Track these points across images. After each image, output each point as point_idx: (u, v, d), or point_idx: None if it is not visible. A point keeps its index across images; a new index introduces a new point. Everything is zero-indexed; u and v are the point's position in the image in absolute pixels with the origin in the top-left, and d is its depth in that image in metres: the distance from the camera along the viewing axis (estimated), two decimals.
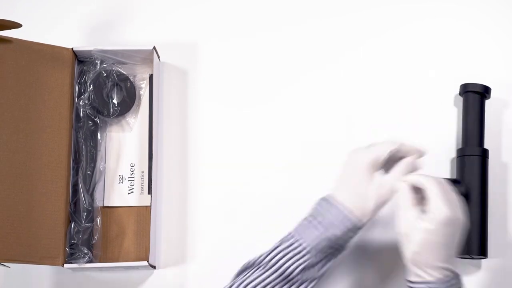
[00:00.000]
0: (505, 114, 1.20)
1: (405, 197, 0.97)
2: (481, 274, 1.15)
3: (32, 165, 1.09)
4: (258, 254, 1.00)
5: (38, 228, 1.08)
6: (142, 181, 1.17)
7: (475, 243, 1.11)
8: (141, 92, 1.19)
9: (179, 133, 1.20)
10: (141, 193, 1.17)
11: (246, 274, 0.99)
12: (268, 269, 0.98)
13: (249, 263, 1.00)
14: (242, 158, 1.19)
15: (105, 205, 1.16)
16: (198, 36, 1.23)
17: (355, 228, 0.98)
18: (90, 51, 1.16)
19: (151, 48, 1.16)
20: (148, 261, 1.10)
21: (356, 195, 0.98)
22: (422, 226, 0.94)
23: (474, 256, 1.12)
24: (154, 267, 1.14)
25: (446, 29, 1.22)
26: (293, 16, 1.24)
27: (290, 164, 1.19)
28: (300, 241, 0.98)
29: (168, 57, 1.22)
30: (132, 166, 1.17)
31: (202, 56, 1.22)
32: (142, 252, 1.15)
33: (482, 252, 1.11)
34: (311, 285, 0.98)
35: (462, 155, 1.14)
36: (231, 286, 0.98)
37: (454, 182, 1.13)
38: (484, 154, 1.13)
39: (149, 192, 1.16)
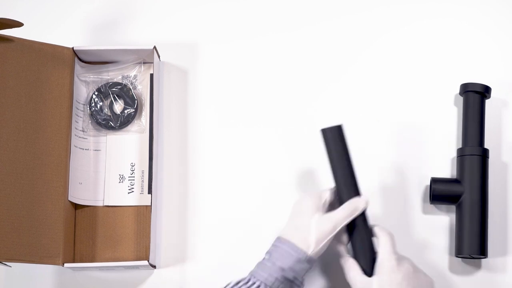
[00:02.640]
0: (505, 114, 1.20)
1: (353, 266, 1.05)
2: (481, 274, 1.15)
3: (32, 165, 1.09)
4: None
5: (39, 227, 1.08)
6: (142, 181, 1.17)
7: (475, 243, 1.11)
8: (143, 98, 1.19)
9: (179, 133, 1.20)
10: (141, 193, 1.17)
11: None
12: None
13: None
14: (242, 158, 1.19)
15: (105, 204, 1.16)
16: (198, 36, 1.23)
17: (302, 260, 1.02)
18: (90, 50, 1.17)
19: (152, 48, 1.16)
20: (148, 261, 1.10)
21: (299, 230, 1.03)
22: (376, 280, 1.02)
23: (474, 256, 1.12)
24: (154, 267, 1.14)
25: (446, 29, 1.22)
26: (293, 18, 1.24)
27: (290, 164, 1.19)
28: (255, 278, 1.02)
29: (168, 57, 1.22)
30: (132, 166, 1.17)
31: (202, 56, 1.23)
32: (142, 252, 1.15)
33: (482, 252, 1.11)
34: None
35: (462, 155, 1.14)
36: None
37: (454, 182, 1.14)
38: (484, 154, 1.13)
39: (149, 191, 1.16)
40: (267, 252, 1.04)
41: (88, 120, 1.18)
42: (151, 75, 1.20)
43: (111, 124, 1.18)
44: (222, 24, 1.24)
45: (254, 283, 1.02)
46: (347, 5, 1.24)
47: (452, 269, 1.15)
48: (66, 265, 1.10)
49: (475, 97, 1.16)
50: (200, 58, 1.23)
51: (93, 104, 1.18)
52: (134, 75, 1.20)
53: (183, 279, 1.16)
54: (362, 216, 1.06)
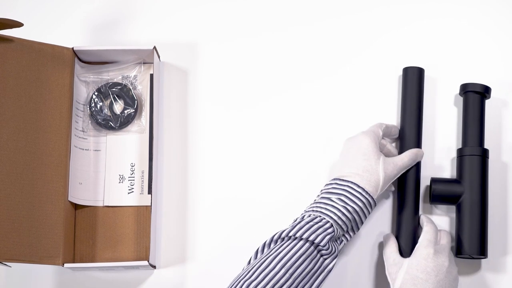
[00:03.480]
0: (505, 114, 1.20)
1: (392, 244, 1.10)
2: (481, 274, 1.15)
3: (32, 165, 1.09)
4: (278, 232, 1.03)
5: (39, 227, 1.08)
6: (142, 181, 1.17)
7: (475, 243, 1.11)
8: (143, 98, 1.19)
9: (179, 133, 1.20)
10: (141, 193, 1.17)
11: (274, 248, 1.01)
12: (299, 241, 1.00)
13: (272, 239, 1.02)
14: (242, 158, 1.19)
15: (105, 204, 1.17)
16: (198, 36, 1.23)
17: (370, 204, 1.05)
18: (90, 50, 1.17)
19: (152, 48, 1.16)
20: (148, 261, 1.10)
21: (367, 172, 1.05)
22: (407, 262, 1.05)
23: (474, 256, 1.11)
24: (154, 267, 1.14)
25: (446, 29, 1.22)
26: (293, 18, 1.24)
27: (290, 164, 1.19)
28: (323, 216, 1.03)
29: (168, 57, 1.22)
30: (132, 166, 1.17)
31: (202, 56, 1.23)
32: (142, 252, 1.15)
33: (482, 252, 1.11)
34: (334, 261, 1.03)
35: (462, 155, 1.14)
36: (263, 260, 0.99)
37: (454, 182, 1.14)
38: (484, 154, 1.13)
39: (149, 192, 1.16)
40: (330, 193, 1.04)
41: (88, 120, 1.18)
42: (151, 75, 1.20)
43: (111, 124, 1.18)
44: (222, 24, 1.24)
45: (326, 222, 1.02)
46: (347, 5, 1.24)
47: None
48: (66, 265, 1.10)
49: (475, 97, 1.16)
50: (200, 58, 1.23)
51: (93, 104, 1.18)
52: (134, 75, 1.20)
53: (183, 279, 1.16)
54: (414, 198, 1.12)
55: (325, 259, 1.02)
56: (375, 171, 1.05)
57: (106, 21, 1.24)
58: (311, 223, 1.02)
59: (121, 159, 1.18)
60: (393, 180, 1.09)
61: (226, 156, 1.19)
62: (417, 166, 1.15)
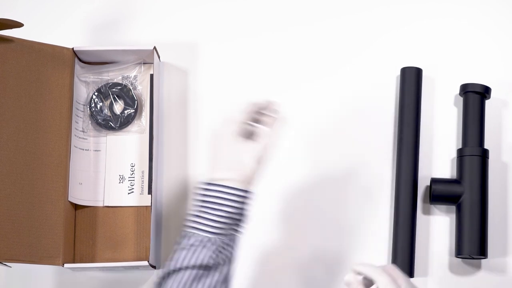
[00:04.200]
0: (505, 114, 1.20)
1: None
2: (481, 274, 1.15)
3: (32, 165, 1.09)
4: (164, 268, 0.97)
5: (39, 228, 1.08)
6: (142, 181, 1.17)
7: (475, 243, 1.11)
8: (143, 98, 1.19)
9: (179, 133, 1.20)
10: (141, 193, 1.17)
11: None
12: (186, 270, 0.95)
13: (162, 278, 0.97)
14: None
15: (105, 205, 1.16)
16: (198, 36, 1.23)
17: (244, 196, 0.98)
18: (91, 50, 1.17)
19: (152, 48, 1.16)
20: (148, 261, 1.10)
21: (233, 165, 0.98)
22: None
23: (474, 256, 1.12)
24: (154, 267, 1.14)
25: (446, 29, 1.22)
26: (293, 18, 1.24)
27: (290, 164, 1.19)
28: (197, 232, 0.97)
29: (168, 57, 1.22)
30: (132, 166, 1.17)
31: (202, 56, 1.23)
32: (142, 252, 1.15)
33: (482, 252, 1.11)
34: (229, 266, 0.98)
35: (462, 155, 1.14)
36: None
37: (454, 182, 1.14)
38: (484, 154, 1.13)
39: (149, 192, 1.16)
40: (204, 203, 0.97)
41: (88, 121, 1.18)
42: (151, 76, 1.20)
43: (111, 125, 1.18)
44: (222, 24, 1.24)
45: (202, 240, 0.96)
46: (347, 5, 1.24)
47: (452, 269, 1.15)
48: (66, 265, 1.10)
49: (475, 97, 1.16)
50: (200, 58, 1.23)
51: (93, 105, 1.18)
52: (134, 75, 1.20)
53: None
54: (412, 198, 1.12)
55: (220, 269, 0.97)
56: (240, 163, 0.98)
57: (106, 21, 1.24)
58: (189, 247, 0.96)
59: (121, 159, 1.18)
60: (266, 155, 1.00)
61: None
62: (415, 166, 1.15)
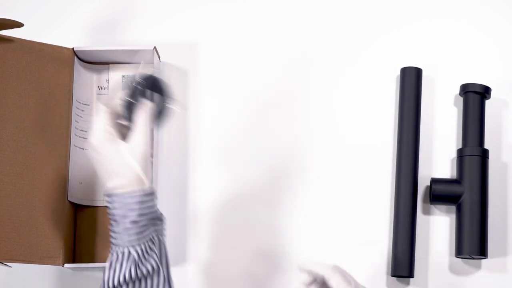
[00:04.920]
0: (505, 114, 1.20)
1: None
2: (481, 274, 1.15)
3: (32, 165, 1.09)
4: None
5: (39, 228, 1.08)
6: None
7: (475, 243, 1.11)
8: None
9: (179, 133, 1.20)
10: None
11: None
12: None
13: None
14: (242, 158, 1.19)
15: (105, 204, 1.16)
16: (198, 36, 1.23)
17: (147, 198, 0.97)
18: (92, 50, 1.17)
19: (152, 48, 1.16)
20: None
21: (121, 175, 0.95)
22: None
23: (474, 256, 1.12)
24: None
25: (445, 29, 1.22)
26: (293, 18, 1.24)
27: (290, 164, 1.19)
28: (115, 248, 0.96)
29: (168, 57, 1.22)
30: None
31: (202, 56, 1.23)
32: None
33: (482, 252, 1.11)
34: (161, 270, 0.97)
35: (462, 155, 1.14)
36: None
37: (454, 182, 1.14)
38: (484, 154, 1.13)
39: None
40: (111, 215, 0.96)
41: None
42: None
43: None
44: (222, 24, 1.24)
45: (123, 253, 0.96)
46: (347, 5, 1.24)
47: (452, 269, 1.15)
48: (66, 265, 1.10)
49: (475, 97, 1.16)
50: (200, 58, 1.23)
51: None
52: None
53: (183, 279, 1.16)
54: (412, 198, 1.12)
55: (150, 276, 0.96)
56: (126, 168, 0.95)
57: (106, 21, 1.24)
58: (113, 265, 0.96)
59: None
60: (150, 154, 0.98)
61: (226, 156, 1.19)
62: (415, 166, 1.15)
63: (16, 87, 1.09)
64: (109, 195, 0.97)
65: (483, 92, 1.16)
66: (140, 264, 0.96)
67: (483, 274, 1.15)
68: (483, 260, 1.15)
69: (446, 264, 1.15)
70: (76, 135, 1.16)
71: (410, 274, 1.12)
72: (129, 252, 0.96)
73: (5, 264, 1.06)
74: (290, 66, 1.22)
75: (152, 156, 0.99)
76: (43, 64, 1.12)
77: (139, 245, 0.96)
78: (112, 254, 0.97)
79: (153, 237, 0.98)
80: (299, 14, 1.24)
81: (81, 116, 1.18)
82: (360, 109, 1.20)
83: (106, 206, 0.98)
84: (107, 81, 1.20)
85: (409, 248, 1.12)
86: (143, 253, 0.96)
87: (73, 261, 1.15)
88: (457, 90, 1.18)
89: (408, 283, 1.15)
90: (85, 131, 1.18)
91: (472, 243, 1.11)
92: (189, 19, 1.24)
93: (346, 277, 0.96)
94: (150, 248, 0.97)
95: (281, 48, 1.23)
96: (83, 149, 1.17)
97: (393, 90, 1.21)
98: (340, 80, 1.21)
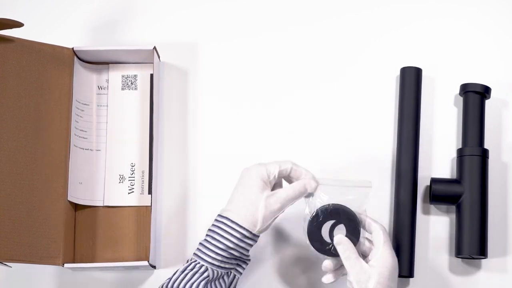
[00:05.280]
0: (505, 114, 1.20)
1: (350, 247, 1.02)
2: (481, 274, 1.15)
3: (32, 165, 1.09)
4: (163, 281, 1.03)
5: (39, 227, 1.08)
6: (143, 181, 1.17)
7: (475, 243, 1.11)
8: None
9: (179, 133, 1.20)
10: (141, 193, 1.17)
11: None
12: None
13: None
14: (242, 158, 1.19)
15: (105, 204, 1.16)
16: (198, 36, 1.23)
17: (247, 237, 1.02)
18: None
19: (152, 48, 1.16)
20: (148, 261, 1.10)
21: (245, 208, 1.02)
22: (377, 271, 1.00)
23: (474, 256, 1.12)
24: (154, 267, 1.14)
25: (446, 29, 1.22)
26: (293, 18, 1.24)
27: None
28: (198, 260, 1.02)
29: (168, 57, 1.22)
30: (132, 166, 1.17)
31: (202, 56, 1.23)
32: (142, 252, 1.15)
33: (482, 252, 1.11)
34: None
35: (462, 155, 1.14)
36: None
37: (454, 182, 1.14)
38: (484, 154, 1.13)
39: (149, 192, 1.16)
40: (210, 230, 1.03)
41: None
42: (151, 75, 1.20)
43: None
44: (222, 24, 1.24)
45: (201, 267, 1.02)
46: (347, 5, 1.24)
47: (452, 269, 1.15)
48: (66, 265, 1.10)
49: (475, 97, 1.16)
50: (200, 58, 1.23)
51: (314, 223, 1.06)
52: (134, 75, 1.20)
53: None
54: (411, 198, 1.12)
55: None
56: (255, 206, 1.02)
57: (106, 21, 1.24)
58: (186, 272, 1.02)
59: (121, 159, 1.18)
60: (280, 213, 1.03)
61: (226, 156, 1.19)
62: (414, 167, 1.15)
63: (16, 87, 1.09)
64: (219, 215, 1.03)
65: (483, 92, 1.16)
66: (209, 285, 1.01)
67: (483, 274, 1.15)
68: (483, 260, 1.15)
69: (446, 264, 1.15)
70: (76, 135, 1.16)
71: (410, 274, 1.12)
72: (206, 269, 1.01)
73: (5, 264, 1.06)
74: (290, 66, 1.22)
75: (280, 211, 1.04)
76: (43, 64, 1.12)
77: (218, 270, 1.02)
78: (190, 262, 1.02)
79: (230, 273, 1.04)
80: (299, 14, 1.24)
81: (81, 116, 1.18)
82: (360, 109, 1.20)
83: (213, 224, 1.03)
84: (107, 81, 1.20)
85: (409, 248, 1.12)
86: (217, 278, 1.02)
87: (73, 261, 1.15)
88: (457, 90, 1.18)
89: (408, 283, 1.15)
90: (85, 131, 1.18)
91: (472, 243, 1.11)
92: (189, 19, 1.24)
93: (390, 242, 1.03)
94: (223, 279, 1.04)
95: (281, 48, 1.23)
96: (83, 149, 1.17)
97: (393, 90, 1.21)
98: (340, 80, 1.21)
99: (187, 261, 1.03)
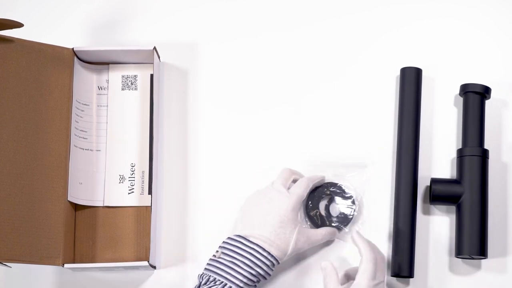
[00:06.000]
0: (505, 114, 1.20)
1: (332, 277, 1.03)
2: (481, 274, 1.15)
3: (32, 165, 1.09)
4: None
5: (39, 228, 1.08)
6: (143, 181, 1.17)
7: (475, 243, 1.11)
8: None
9: (179, 133, 1.20)
10: (141, 193, 1.17)
11: None
12: None
13: None
14: (242, 158, 1.19)
15: (105, 205, 1.16)
16: (198, 36, 1.23)
17: (274, 265, 1.06)
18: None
19: (152, 48, 1.16)
20: (148, 261, 1.10)
21: (279, 240, 1.06)
22: None
23: (474, 256, 1.12)
24: (154, 267, 1.14)
25: (446, 29, 1.22)
26: (293, 18, 1.24)
27: (289, 164, 1.19)
28: (225, 281, 1.04)
29: (168, 57, 1.22)
30: (132, 166, 1.17)
31: (202, 56, 1.23)
32: (142, 252, 1.15)
33: (482, 252, 1.11)
34: None
35: (462, 155, 1.14)
36: None
37: (454, 182, 1.14)
38: (484, 154, 1.13)
39: (149, 192, 1.16)
40: (237, 253, 1.05)
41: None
42: (151, 75, 1.20)
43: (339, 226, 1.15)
44: (222, 24, 1.24)
45: (220, 284, 1.03)
46: (347, 5, 1.24)
47: (452, 269, 1.15)
48: (66, 265, 1.10)
49: (475, 97, 1.16)
50: (200, 58, 1.23)
51: (310, 205, 1.15)
52: (134, 75, 1.20)
53: (183, 280, 1.16)
54: (411, 199, 1.14)
55: None
56: (287, 240, 1.06)
57: (106, 21, 1.24)
58: (199, 285, 1.04)
59: (121, 159, 1.18)
60: (302, 250, 1.10)
61: (226, 156, 1.19)
62: (414, 167, 1.15)
63: (16, 87, 1.09)
64: (242, 237, 1.05)
65: (483, 92, 1.16)
66: None
67: (483, 274, 1.15)
68: (483, 260, 1.15)
69: (446, 264, 1.15)
70: (76, 135, 1.16)
71: (410, 274, 1.12)
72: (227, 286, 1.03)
73: (5, 264, 1.06)
74: (290, 66, 1.22)
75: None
76: (43, 64, 1.12)
77: (244, 286, 1.04)
78: (204, 277, 1.05)
79: None
80: (299, 14, 1.24)
81: (81, 116, 1.18)
82: (360, 109, 1.20)
83: (233, 242, 1.06)
84: (107, 81, 1.20)
85: (409, 248, 1.12)
86: None
87: (73, 261, 1.15)
88: (457, 90, 1.18)
89: (408, 283, 1.15)
90: (85, 131, 1.18)
91: (472, 243, 1.11)
92: (189, 19, 1.24)
93: (376, 270, 1.02)
94: None
95: (281, 48, 1.23)
96: (83, 149, 1.17)
97: (393, 90, 1.21)
98: (340, 80, 1.21)
99: (202, 278, 1.05)
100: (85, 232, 1.16)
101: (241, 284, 1.03)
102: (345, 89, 1.21)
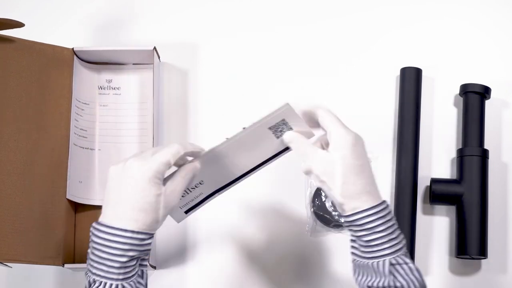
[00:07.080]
0: (505, 114, 1.20)
1: (303, 141, 0.93)
2: (481, 274, 1.15)
3: (32, 165, 1.09)
4: None
5: (39, 228, 1.08)
6: None
7: (475, 243, 1.11)
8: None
9: (179, 133, 1.20)
10: None
11: None
12: None
13: None
14: None
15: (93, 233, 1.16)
16: (198, 36, 1.23)
17: (149, 237, 0.90)
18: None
19: (152, 48, 1.16)
20: (148, 261, 1.10)
21: (144, 212, 0.89)
22: (338, 155, 0.89)
23: (474, 256, 1.12)
24: (154, 267, 1.14)
25: (446, 29, 1.22)
26: (293, 18, 1.24)
27: (290, 165, 1.19)
28: (96, 278, 0.90)
29: (168, 57, 1.22)
30: None
31: (202, 56, 1.23)
32: None
33: (482, 252, 1.11)
34: None
35: (462, 155, 1.14)
36: None
37: (454, 182, 1.14)
38: (484, 154, 1.13)
39: None
40: (100, 244, 0.90)
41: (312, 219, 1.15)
42: (151, 76, 1.20)
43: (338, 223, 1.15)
44: (222, 24, 1.24)
45: (101, 283, 0.90)
46: (347, 5, 1.24)
47: (452, 269, 1.15)
48: (66, 265, 1.10)
49: (475, 97, 1.16)
50: (200, 58, 1.23)
51: (317, 202, 1.16)
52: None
53: (183, 280, 1.16)
54: (411, 199, 1.13)
55: None
56: (154, 209, 0.89)
57: (106, 21, 1.24)
58: None
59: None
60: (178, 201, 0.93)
61: None
62: (414, 167, 1.15)
63: (17, 87, 1.09)
64: (109, 225, 0.89)
65: (483, 92, 1.16)
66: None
67: (483, 274, 1.15)
68: (483, 260, 1.15)
69: (446, 264, 1.15)
70: (76, 134, 1.16)
71: None
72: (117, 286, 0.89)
73: (5, 264, 1.06)
74: (290, 66, 1.22)
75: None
76: (44, 64, 1.13)
77: (128, 279, 0.90)
78: (95, 284, 0.90)
79: (141, 272, 0.92)
80: (299, 14, 1.24)
81: (81, 115, 1.18)
82: (360, 109, 1.20)
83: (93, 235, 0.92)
84: (107, 81, 1.20)
85: (409, 248, 1.12)
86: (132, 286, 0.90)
87: (73, 261, 1.15)
88: (457, 90, 1.18)
89: None
90: (85, 130, 1.18)
91: (472, 243, 1.11)
92: (189, 19, 1.24)
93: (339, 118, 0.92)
94: (139, 283, 0.91)
95: (281, 48, 1.23)
96: (83, 148, 1.17)
97: (393, 90, 1.21)
98: (340, 80, 1.21)
99: (90, 282, 0.91)
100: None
101: (115, 276, 0.89)
102: (345, 89, 1.21)
